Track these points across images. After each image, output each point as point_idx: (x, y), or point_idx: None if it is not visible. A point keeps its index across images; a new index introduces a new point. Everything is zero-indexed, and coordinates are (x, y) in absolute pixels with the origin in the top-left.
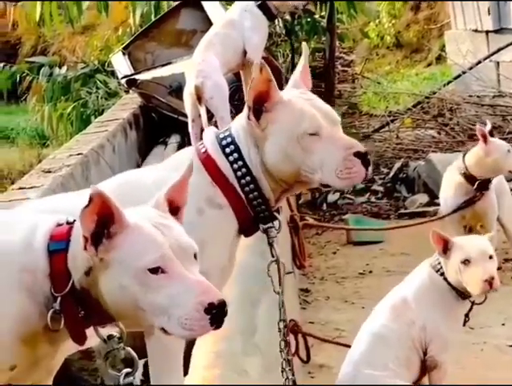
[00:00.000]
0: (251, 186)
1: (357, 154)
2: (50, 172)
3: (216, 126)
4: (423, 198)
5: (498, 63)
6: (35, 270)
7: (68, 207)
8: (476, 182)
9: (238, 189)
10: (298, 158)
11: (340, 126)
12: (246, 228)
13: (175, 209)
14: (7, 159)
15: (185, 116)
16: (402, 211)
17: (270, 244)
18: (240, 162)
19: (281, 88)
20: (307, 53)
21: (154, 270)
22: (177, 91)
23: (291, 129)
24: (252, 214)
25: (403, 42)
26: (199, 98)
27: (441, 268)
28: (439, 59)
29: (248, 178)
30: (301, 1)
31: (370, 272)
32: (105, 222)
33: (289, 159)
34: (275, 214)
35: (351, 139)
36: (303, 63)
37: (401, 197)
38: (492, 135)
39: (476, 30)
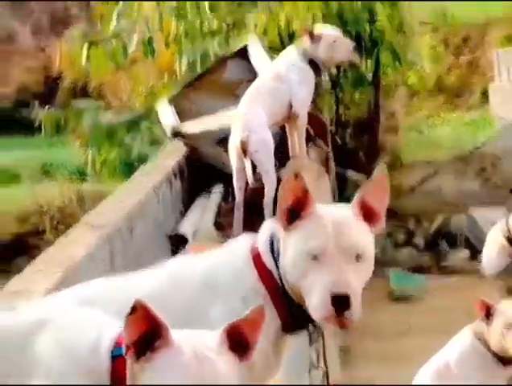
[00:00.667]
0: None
1: (335, 296)
2: (96, 226)
3: (260, 179)
4: (464, 253)
5: None
6: (100, 372)
7: (109, 299)
8: None
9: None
10: (298, 276)
11: (365, 263)
12: (287, 327)
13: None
14: (46, 195)
15: (229, 166)
16: (444, 264)
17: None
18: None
19: (326, 141)
20: (382, 172)
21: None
22: (222, 141)
23: (302, 245)
24: (291, 313)
25: (444, 86)
26: (244, 151)
27: (483, 334)
28: (480, 103)
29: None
30: (347, 58)
31: (411, 329)
32: (149, 334)
33: (294, 274)
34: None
35: (341, 278)
36: (370, 182)
37: (442, 251)
38: None
39: None
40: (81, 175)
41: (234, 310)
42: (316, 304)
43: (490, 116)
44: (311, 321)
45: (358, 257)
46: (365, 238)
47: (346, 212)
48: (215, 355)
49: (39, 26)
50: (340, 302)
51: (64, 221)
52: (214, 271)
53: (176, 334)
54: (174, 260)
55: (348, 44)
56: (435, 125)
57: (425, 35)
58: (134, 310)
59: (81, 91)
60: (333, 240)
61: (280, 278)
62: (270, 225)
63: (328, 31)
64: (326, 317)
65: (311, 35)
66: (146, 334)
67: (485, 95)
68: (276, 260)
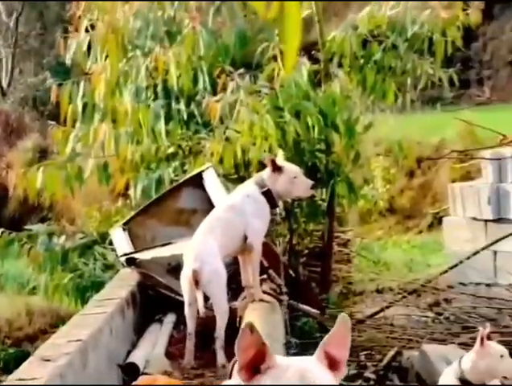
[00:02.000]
0: None
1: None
2: (48, 360)
3: (212, 310)
4: None
5: (496, 252)
6: None
7: None
8: None
9: None
10: None
11: None
12: None
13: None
14: None
15: (182, 295)
16: None
17: None
18: None
19: (278, 272)
20: (344, 323)
21: None
22: (175, 270)
23: None
24: None
25: (396, 207)
26: (196, 282)
27: None
28: (432, 226)
29: None
30: (304, 195)
31: None
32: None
33: None
34: None
35: None
36: (333, 331)
37: None
38: (489, 338)
39: (475, 219)
40: (32, 289)
41: None
42: None
43: (442, 240)
44: None
45: None
46: None
47: (309, 364)
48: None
49: None
50: None
51: (11, 335)
52: None
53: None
54: None
55: (307, 183)
56: (385, 248)
57: (378, 157)
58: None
59: (33, 210)
60: None
61: None
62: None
63: (290, 166)
64: None
65: (274, 165)
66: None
67: (436, 218)
68: None
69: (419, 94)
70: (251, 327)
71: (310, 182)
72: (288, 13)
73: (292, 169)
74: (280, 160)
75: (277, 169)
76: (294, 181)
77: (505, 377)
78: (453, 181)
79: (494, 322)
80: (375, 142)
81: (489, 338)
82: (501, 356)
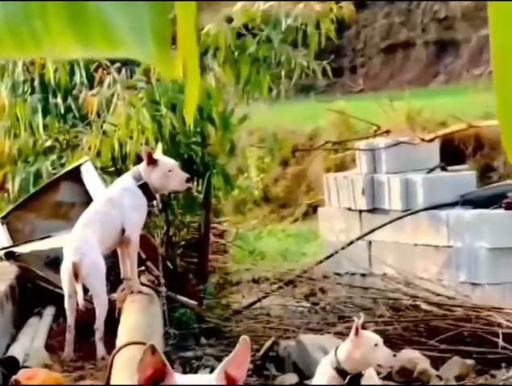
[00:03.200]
0: None
1: None
2: None
3: (91, 301)
4: (292, 378)
5: (370, 242)
6: None
7: None
8: (348, 377)
9: None
10: None
11: None
12: None
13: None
14: None
15: (61, 288)
16: None
17: None
18: None
19: (156, 264)
20: (245, 346)
21: None
22: (54, 263)
23: None
24: None
25: (271, 196)
26: (75, 275)
27: None
28: (306, 215)
29: None
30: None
31: None
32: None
33: None
34: None
35: None
36: (235, 353)
37: (270, 375)
38: (364, 328)
39: (349, 209)
40: None
41: None
42: None
43: (317, 230)
44: None
45: None
46: None
47: (208, 383)
48: None
49: None
50: None
51: None
52: None
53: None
54: None
55: (182, 176)
56: (260, 237)
57: (252, 146)
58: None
59: None
60: None
61: None
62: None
63: (166, 159)
64: None
65: (149, 158)
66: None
67: (311, 207)
68: None
69: (293, 83)
70: (152, 348)
71: (185, 176)
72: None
73: (167, 162)
74: (157, 153)
75: (152, 162)
76: (169, 174)
77: (379, 365)
78: (328, 170)
79: (369, 312)
80: (249, 132)
81: (363, 327)
82: (376, 345)
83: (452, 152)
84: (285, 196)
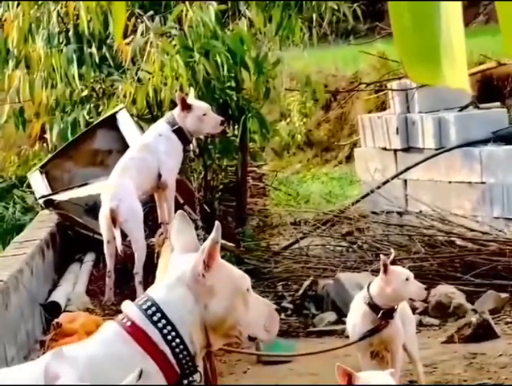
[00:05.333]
0: (181, 347)
1: (276, 311)
2: None
3: (130, 247)
4: (331, 316)
5: (406, 181)
6: None
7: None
8: (381, 312)
9: (169, 353)
10: (240, 311)
11: None
12: (173, 385)
13: None
14: None
15: (100, 234)
16: (311, 329)
17: None
18: (169, 327)
19: (193, 208)
20: (219, 232)
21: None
22: (93, 210)
23: (237, 285)
24: (179, 373)
25: (314, 140)
26: (113, 220)
27: None
28: (349, 158)
29: (178, 340)
30: (214, 132)
31: None
32: None
33: (233, 313)
34: (197, 368)
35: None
36: (212, 238)
37: (310, 314)
38: (393, 263)
39: (384, 149)
40: None
41: None
42: (265, 324)
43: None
44: (195, 372)
45: None
46: None
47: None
48: None
49: None
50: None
51: None
52: (98, 368)
53: None
54: (49, 355)
55: (216, 120)
56: (304, 181)
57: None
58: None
59: None
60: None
61: (173, 341)
62: (130, 305)
63: (199, 103)
64: (274, 331)
65: (183, 103)
66: None
67: (353, 149)
68: (164, 326)
69: (333, 28)
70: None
71: (219, 119)
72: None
73: (201, 106)
74: (191, 98)
75: (186, 107)
76: (203, 118)
77: (412, 299)
78: (369, 112)
79: (405, 249)
80: (291, 77)
81: (397, 263)
82: (407, 279)
83: (490, 91)
84: (328, 140)
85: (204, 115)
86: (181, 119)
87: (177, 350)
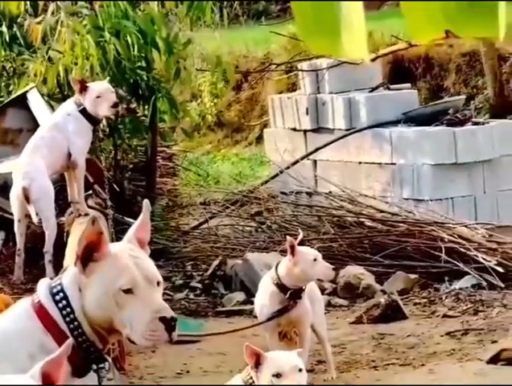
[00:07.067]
0: (79, 330)
1: (163, 319)
2: None
3: (41, 226)
4: (240, 296)
5: (315, 162)
6: None
7: None
8: (289, 292)
9: (68, 334)
10: (111, 311)
11: (161, 286)
12: (78, 370)
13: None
14: None
15: (10, 213)
16: (220, 308)
17: (100, 383)
18: (68, 309)
19: (103, 187)
20: (148, 210)
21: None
22: (3, 189)
23: (108, 282)
24: (82, 356)
25: (224, 121)
26: (27, 198)
27: (253, 382)
28: (260, 138)
29: (76, 323)
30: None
31: (188, 372)
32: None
33: (103, 310)
34: (105, 356)
35: (162, 303)
36: (141, 218)
37: (218, 294)
38: (302, 244)
39: (294, 129)
40: None
41: (23, 369)
42: (145, 330)
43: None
44: (103, 360)
45: (158, 283)
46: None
47: (129, 246)
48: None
49: None
50: (169, 325)
51: None
52: (2, 340)
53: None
54: None
55: (109, 102)
56: (214, 162)
57: (205, 72)
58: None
59: None
60: (139, 273)
61: (71, 323)
62: (44, 282)
63: (95, 86)
64: (157, 340)
65: (81, 85)
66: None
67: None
68: (64, 307)
69: (245, 9)
70: (93, 219)
71: (112, 101)
72: None
73: (95, 88)
74: (97, 81)
75: (83, 89)
76: (97, 100)
77: (320, 280)
78: (280, 93)
79: (315, 229)
80: (202, 58)
81: (303, 243)
82: (314, 260)
83: (401, 72)
84: (238, 120)
85: (98, 97)
86: (81, 100)
87: (75, 332)
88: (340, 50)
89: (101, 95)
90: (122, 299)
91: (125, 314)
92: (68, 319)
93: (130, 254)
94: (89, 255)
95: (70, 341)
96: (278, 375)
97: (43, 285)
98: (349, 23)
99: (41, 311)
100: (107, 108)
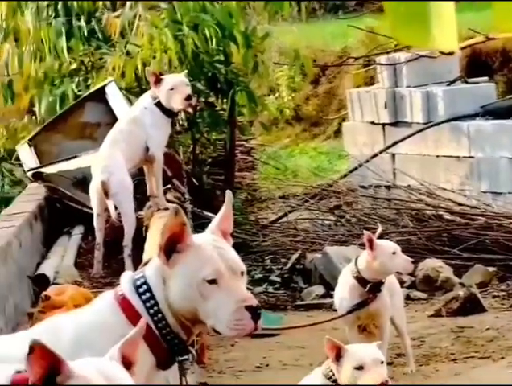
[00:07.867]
0: (163, 322)
1: (249, 308)
2: None
3: (120, 220)
4: (319, 289)
5: (394, 155)
6: None
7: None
8: (368, 285)
9: (152, 326)
10: (195, 301)
11: (245, 277)
12: (163, 362)
13: (128, 364)
14: None
15: (89, 207)
16: (299, 302)
17: (183, 375)
18: (152, 301)
19: (181, 181)
20: (230, 201)
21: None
22: (81, 183)
23: (193, 274)
24: (166, 348)
25: (302, 115)
26: (106, 193)
27: (333, 375)
28: (338, 132)
29: (160, 315)
30: (180, 107)
31: (267, 365)
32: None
33: (187, 301)
34: (189, 347)
35: (247, 292)
36: (224, 210)
37: (298, 288)
38: (381, 237)
39: (373, 123)
40: None
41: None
42: (230, 320)
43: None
44: (186, 352)
45: (242, 273)
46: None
47: (213, 236)
48: (115, 369)
49: None
50: (255, 313)
51: None
52: (83, 333)
53: (75, 364)
54: (42, 324)
55: (183, 94)
56: (292, 155)
57: (283, 66)
58: (32, 350)
59: None
60: (223, 263)
61: (155, 315)
62: (127, 274)
63: (169, 78)
64: (242, 329)
65: (156, 78)
66: (48, 370)
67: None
68: (148, 299)
69: (322, 3)
70: (176, 211)
71: (185, 93)
72: None
73: (170, 80)
74: (173, 75)
75: (158, 81)
76: (170, 93)
77: (399, 273)
78: (358, 87)
79: (393, 223)
80: (280, 52)
81: (382, 237)
82: (393, 253)
83: (478, 66)
84: (316, 114)
85: (172, 90)
86: (156, 93)
87: (160, 324)
88: (430, 41)
89: (175, 87)
90: (207, 290)
91: (209, 304)
92: (152, 311)
93: (213, 245)
94: (173, 246)
95: (144, 320)
96: (360, 368)
97: (126, 278)
98: (440, 15)
99: (125, 304)
100: (180, 100)
